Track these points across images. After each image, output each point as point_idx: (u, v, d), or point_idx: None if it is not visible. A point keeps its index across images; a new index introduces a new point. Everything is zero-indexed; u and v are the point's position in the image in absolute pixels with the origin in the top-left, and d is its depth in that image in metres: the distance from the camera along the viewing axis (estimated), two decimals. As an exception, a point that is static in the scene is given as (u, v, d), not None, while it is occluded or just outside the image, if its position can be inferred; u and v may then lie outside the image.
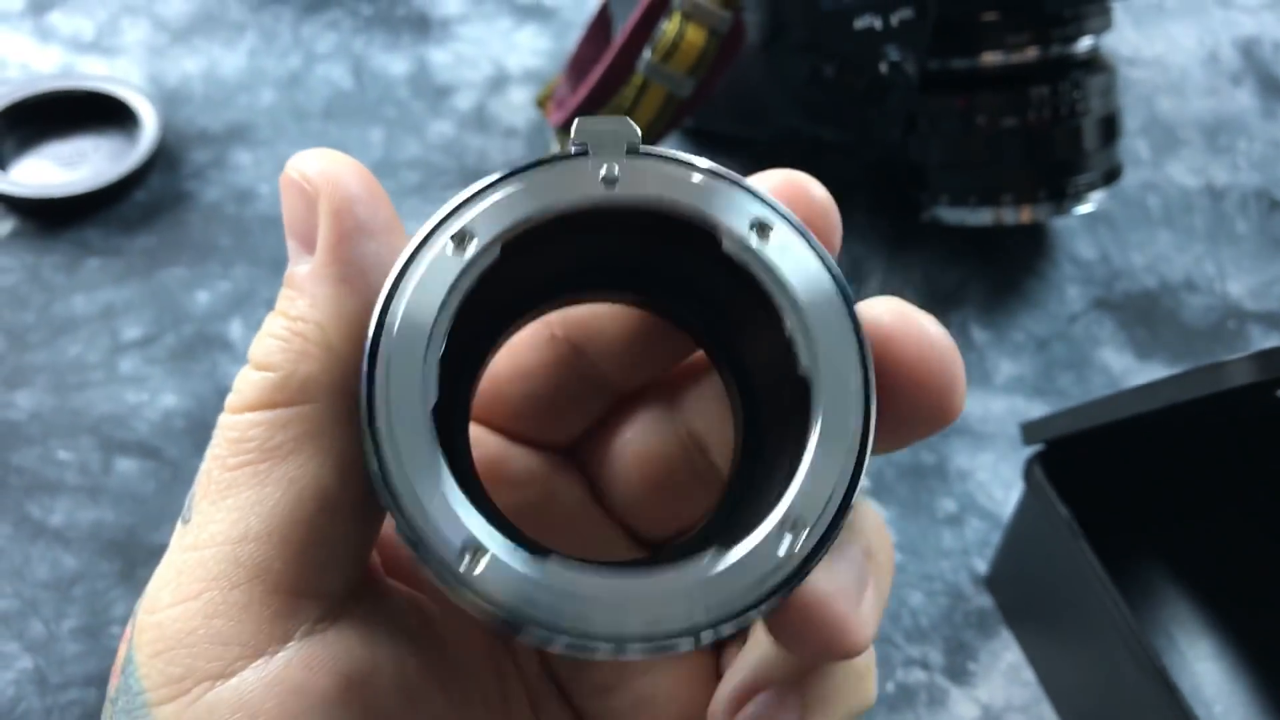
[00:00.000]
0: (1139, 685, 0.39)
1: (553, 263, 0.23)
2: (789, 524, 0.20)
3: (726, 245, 0.21)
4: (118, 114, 0.64)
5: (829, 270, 0.21)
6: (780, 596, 0.19)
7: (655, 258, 0.24)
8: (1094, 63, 0.57)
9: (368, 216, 0.21)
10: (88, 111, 0.64)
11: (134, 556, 0.48)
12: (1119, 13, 0.76)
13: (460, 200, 0.21)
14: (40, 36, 0.70)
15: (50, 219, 0.60)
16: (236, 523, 0.20)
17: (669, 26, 0.50)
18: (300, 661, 0.21)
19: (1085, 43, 0.56)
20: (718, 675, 0.26)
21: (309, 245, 0.22)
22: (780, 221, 0.21)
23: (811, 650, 0.21)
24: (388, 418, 0.19)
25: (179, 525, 0.21)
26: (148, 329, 0.56)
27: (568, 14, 0.74)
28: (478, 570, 0.19)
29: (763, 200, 0.21)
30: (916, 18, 0.51)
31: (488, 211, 0.21)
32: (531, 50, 0.72)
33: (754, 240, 0.21)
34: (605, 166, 0.21)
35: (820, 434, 0.20)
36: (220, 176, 0.63)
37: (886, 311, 0.22)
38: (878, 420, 0.21)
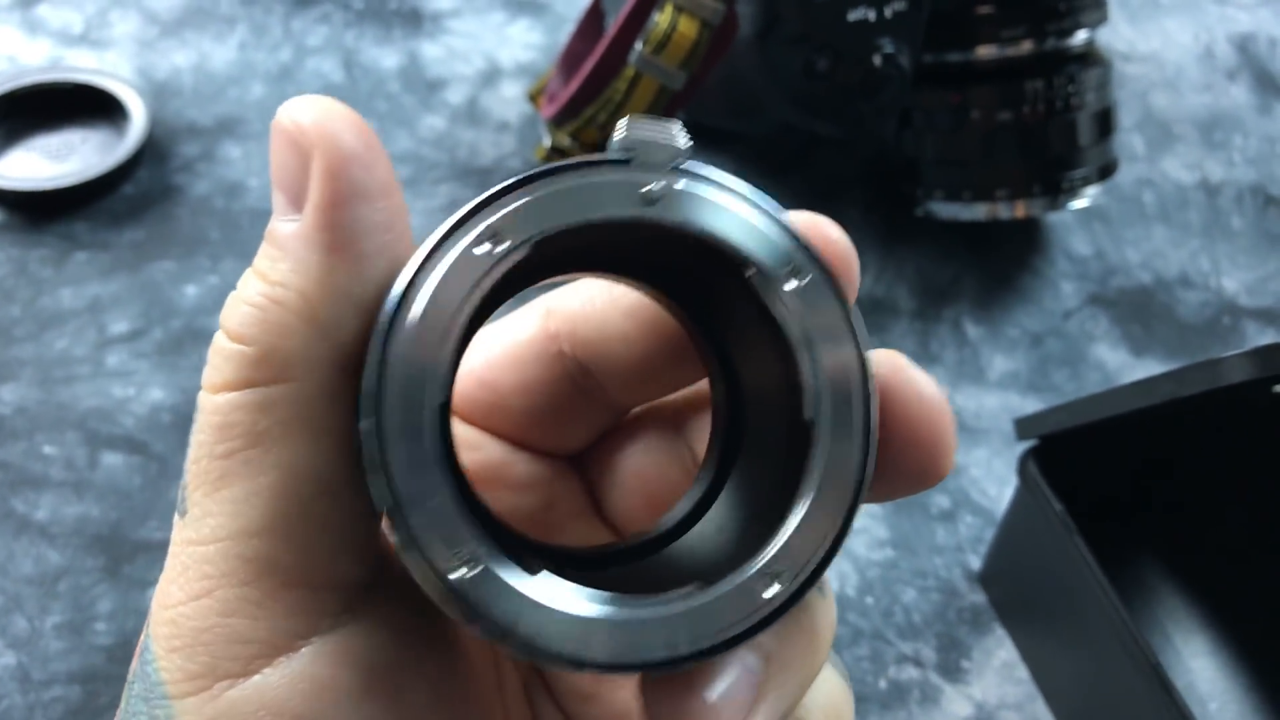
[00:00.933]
0: (1133, 682, 0.39)
1: (574, 257, 0.23)
2: (770, 573, 0.20)
3: (754, 281, 0.20)
4: (106, 107, 0.63)
5: (851, 324, 0.21)
6: (753, 635, 0.20)
7: (679, 268, 0.23)
8: (1089, 56, 0.57)
9: (364, 178, 0.20)
10: (76, 104, 0.64)
11: (119, 552, 0.47)
12: (1115, 8, 0.76)
13: (492, 193, 0.20)
14: (29, 29, 0.70)
15: (38, 212, 0.59)
16: (235, 516, 0.20)
17: (661, 18, 0.50)
18: (325, 657, 0.20)
19: (1080, 36, 0.56)
20: None
21: (297, 202, 0.20)
22: (812, 267, 0.20)
23: None
24: (397, 417, 0.19)
25: (177, 517, 0.21)
26: (135, 323, 0.55)
27: (560, 8, 0.74)
28: (469, 580, 0.19)
29: (799, 241, 0.21)
30: (911, 10, 0.51)
31: (521, 211, 0.20)
32: (524, 44, 0.71)
33: (786, 284, 0.20)
34: (649, 185, 0.20)
35: (817, 489, 0.20)
36: (209, 170, 0.62)
37: (885, 366, 0.21)
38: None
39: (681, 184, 0.20)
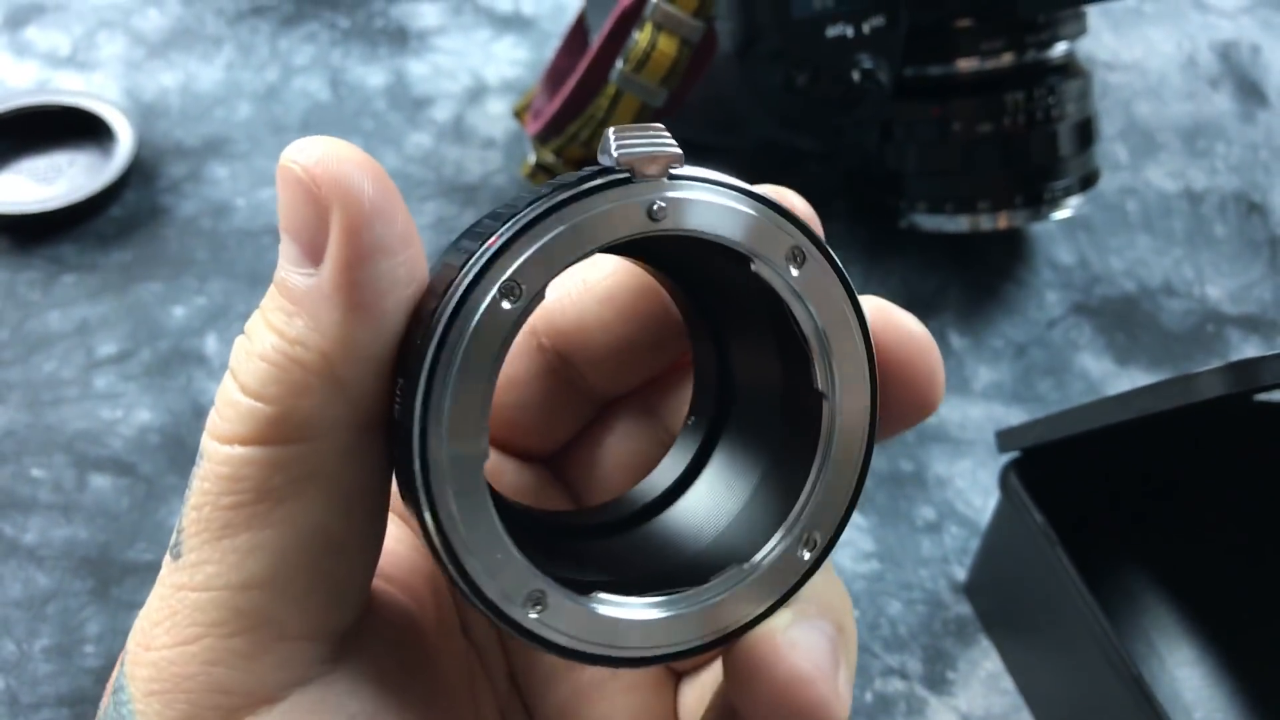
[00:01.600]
0: (1117, 693, 0.39)
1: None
2: (803, 537, 0.22)
3: (759, 271, 0.21)
4: (93, 129, 0.64)
5: (851, 298, 0.22)
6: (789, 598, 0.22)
7: (682, 264, 0.24)
8: (1069, 68, 0.57)
9: (386, 233, 0.19)
10: (63, 126, 0.64)
11: (108, 574, 0.47)
12: (1098, 18, 0.76)
13: (505, 239, 0.19)
14: (16, 52, 0.70)
15: (25, 235, 0.60)
16: (235, 567, 0.19)
17: (641, 36, 0.50)
18: (307, 707, 0.20)
19: (1060, 48, 0.56)
20: (674, 698, 0.26)
21: (313, 255, 0.19)
22: (811, 248, 0.21)
23: None
24: (448, 482, 0.19)
25: (168, 559, 0.20)
26: (123, 345, 0.56)
27: (546, 24, 0.74)
28: (543, 619, 0.20)
29: (798, 225, 0.21)
30: (888, 25, 0.51)
31: (536, 256, 0.19)
32: (510, 60, 0.72)
33: (790, 270, 0.21)
34: (652, 202, 0.20)
35: (835, 450, 0.22)
36: (196, 190, 0.63)
37: (872, 312, 0.22)
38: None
39: (681, 192, 0.21)
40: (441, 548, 0.19)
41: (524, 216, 0.19)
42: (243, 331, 0.20)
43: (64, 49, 0.71)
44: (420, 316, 0.20)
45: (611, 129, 0.21)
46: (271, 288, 0.20)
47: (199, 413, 0.53)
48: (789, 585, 0.22)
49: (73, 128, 0.64)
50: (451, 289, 0.19)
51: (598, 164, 0.21)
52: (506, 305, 0.19)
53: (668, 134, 0.21)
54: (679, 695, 0.26)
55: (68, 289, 0.58)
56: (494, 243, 0.19)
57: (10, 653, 0.45)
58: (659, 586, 0.21)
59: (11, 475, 0.50)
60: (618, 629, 0.20)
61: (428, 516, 0.19)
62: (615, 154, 0.20)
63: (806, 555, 0.22)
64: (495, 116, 0.68)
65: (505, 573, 0.19)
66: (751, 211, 0.21)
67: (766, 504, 0.23)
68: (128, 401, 0.53)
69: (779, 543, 0.22)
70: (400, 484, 0.20)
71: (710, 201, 0.21)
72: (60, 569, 0.48)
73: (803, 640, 0.21)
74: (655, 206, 0.20)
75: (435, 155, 0.65)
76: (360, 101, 0.68)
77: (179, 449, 0.52)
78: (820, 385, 0.22)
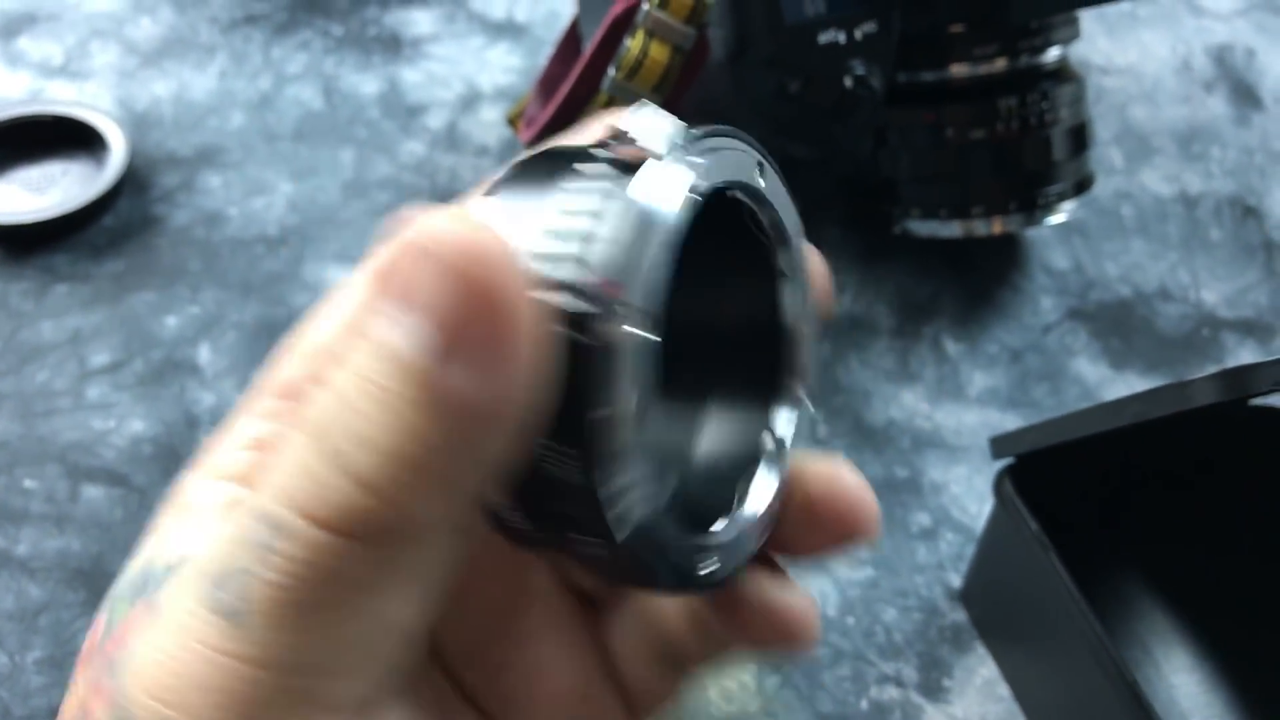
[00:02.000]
0: (1112, 700, 0.39)
1: None
2: (803, 390, 0.24)
3: (734, 194, 0.22)
4: (86, 138, 0.64)
5: (792, 200, 0.24)
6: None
7: None
8: (1062, 73, 0.57)
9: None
10: (56, 136, 0.64)
11: (101, 586, 0.47)
12: (1092, 21, 0.76)
13: (613, 270, 0.18)
14: (9, 61, 0.70)
15: (18, 245, 0.60)
16: (297, 649, 0.18)
17: (632, 43, 0.50)
18: None
19: (1053, 53, 0.56)
20: (595, 643, 0.26)
21: (470, 359, 0.17)
22: (765, 164, 0.23)
23: (851, 533, 0.24)
24: (646, 517, 0.20)
25: (214, 615, 0.18)
26: (116, 355, 0.55)
27: (539, 31, 0.74)
28: (715, 570, 0.22)
29: (754, 147, 0.23)
30: (880, 31, 0.51)
31: (645, 278, 0.19)
32: (503, 68, 0.72)
33: (758, 179, 0.23)
34: (690, 176, 0.20)
35: (800, 320, 0.24)
36: (189, 200, 0.63)
37: (818, 472, 0.25)
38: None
39: (703, 156, 0.21)
40: (657, 566, 0.20)
41: (616, 233, 0.18)
42: (333, 387, 0.18)
43: (56, 58, 0.71)
44: (569, 380, 0.18)
45: (627, 114, 0.20)
46: (388, 360, 0.17)
47: (192, 423, 0.53)
48: (803, 432, 0.24)
49: (65, 137, 0.64)
50: (589, 346, 0.18)
51: (608, 154, 0.20)
52: (635, 332, 0.18)
53: (670, 115, 0.21)
54: (606, 624, 0.26)
55: (60, 299, 0.58)
56: (603, 276, 0.18)
57: (2, 665, 0.45)
58: (721, 498, 0.23)
59: (4, 486, 0.50)
60: (743, 539, 0.23)
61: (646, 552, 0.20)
62: (641, 141, 0.20)
63: (810, 404, 0.24)
64: (489, 124, 0.68)
65: (686, 555, 0.21)
66: (732, 148, 0.22)
67: (752, 380, 0.25)
68: (120, 412, 0.53)
69: (796, 401, 0.24)
70: (576, 533, 0.20)
71: (719, 148, 0.21)
72: (53, 580, 0.47)
73: (832, 462, 0.24)
74: (700, 184, 0.20)
75: (429, 163, 0.65)
76: (353, 109, 0.68)
77: (172, 459, 0.52)
78: (784, 267, 0.24)
